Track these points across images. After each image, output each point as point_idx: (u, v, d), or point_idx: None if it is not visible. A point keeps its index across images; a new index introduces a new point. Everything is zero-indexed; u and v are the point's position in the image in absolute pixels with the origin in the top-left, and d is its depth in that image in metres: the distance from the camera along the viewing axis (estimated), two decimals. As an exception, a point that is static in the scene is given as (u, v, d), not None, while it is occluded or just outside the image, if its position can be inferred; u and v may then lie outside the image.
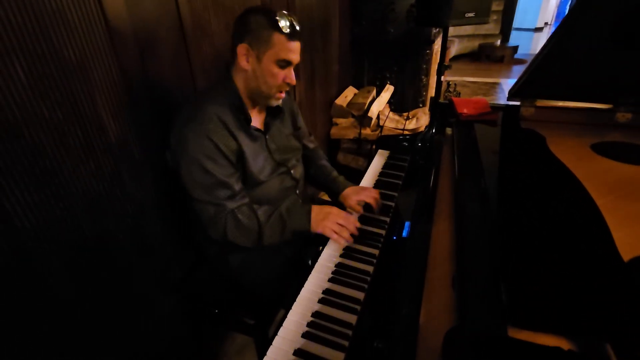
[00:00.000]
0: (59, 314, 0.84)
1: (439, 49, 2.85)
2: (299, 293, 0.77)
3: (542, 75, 1.09)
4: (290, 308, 0.73)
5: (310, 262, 0.92)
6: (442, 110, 1.31)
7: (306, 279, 0.83)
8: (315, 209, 0.99)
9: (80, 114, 0.84)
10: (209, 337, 1.48)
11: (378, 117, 2.41)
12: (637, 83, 1.07)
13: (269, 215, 0.99)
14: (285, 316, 0.71)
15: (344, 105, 2.42)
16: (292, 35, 0.92)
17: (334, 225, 0.94)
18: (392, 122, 2.38)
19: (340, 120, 2.47)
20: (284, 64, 0.94)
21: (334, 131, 2.46)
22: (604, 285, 0.49)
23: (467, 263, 0.57)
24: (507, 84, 5.24)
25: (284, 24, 0.90)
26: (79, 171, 0.85)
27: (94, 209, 0.90)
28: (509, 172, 0.86)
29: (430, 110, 1.35)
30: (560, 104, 1.24)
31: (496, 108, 1.23)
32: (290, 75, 0.96)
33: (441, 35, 2.04)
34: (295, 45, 0.94)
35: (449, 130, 1.18)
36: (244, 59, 0.94)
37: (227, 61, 1.03)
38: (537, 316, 0.45)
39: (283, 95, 1.01)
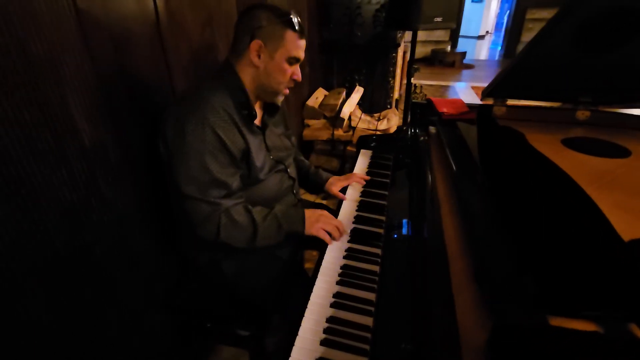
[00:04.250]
0: (37, 341, 0.74)
1: (402, 53, 2.96)
2: (308, 299, 0.74)
3: (514, 78, 1.17)
4: (286, 314, 0.70)
5: (304, 265, 0.90)
6: (422, 110, 1.35)
7: (307, 284, 0.81)
8: (308, 212, 1.01)
9: (49, 115, 0.75)
10: (200, 352, 1.38)
11: (349, 118, 2.43)
12: (594, 84, 1.18)
13: (264, 216, 0.96)
14: (299, 324, 0.68)
15: (316, 106, 2.41)
16: (302, 33, 0.94)
17: (327, 226, 0.96)
18: (364, 123, 2.41)
19: (312, 122, 2.46)
20: (294, 61, 0.96)
21: (306, 132, 2.44)
22: (615, 265, 0.53)
23: (486, 257, 0.58)
24: (458, 87, 5.60)
25: (295, 21, 0.91)
26: (50, 179, 0.75)
27: (68, 221, 0.80)
28: (500, 167, 0.90)
29: (409, 110, 1.39)
30: (528, 103, 1.34)
31: (472, 107, 1.30)
32: (297, 71, 0.98)
33: (403, 40, 2.12)
34: (304, 43, 0.96)
35: (432, 129, 1.22)
36: (256, 55, 0.93)
37: (227, 56, 1.00)
38: (567, 302, 0.47)
39: (288, 91, 1.01)
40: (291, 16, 0.92)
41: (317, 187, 1.28)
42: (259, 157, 0.99)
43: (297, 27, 0.93)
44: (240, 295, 1.03)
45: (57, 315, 0.78)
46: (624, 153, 1.01)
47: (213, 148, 0.88)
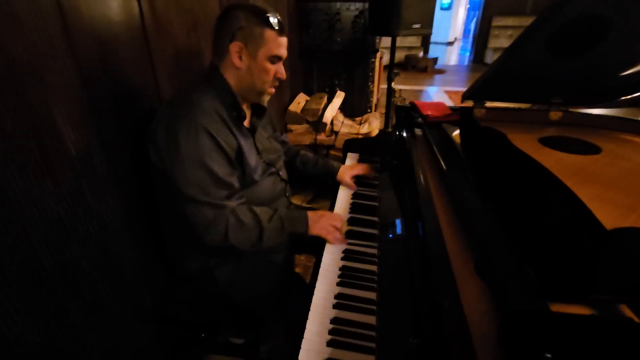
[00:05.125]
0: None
1: (379, 58, 3.03)
2: (309, 301, 0.74)
3: (492, 82, 1.23)
4: (282, 319, 0.70)
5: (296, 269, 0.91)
6: (407, 113, 1.39)
7: (304, 287, 0.81)
8: (311, 213, 1.00)
9: (34, 122, 0.71)
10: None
11: (332, 123, 2.46)
12: (564, 86, 1.27)
13: (270, 217, 0.96)
14: (302, 327, 0.68)
15: (298, 111, 2.42)
16: (282, 30, 0.94)
17: (329, 227, 0.97)
18: (346, 127, 2.45)
19: (294, 127, 2.46)
20: (276, 59, 0.95)
21: (289, 137, 2.44)
22: (602, 252, 0.57)
23: (485, 250, 0.61)
24: (431, 91, 5.78)
25: (273, 20, 0.91)
26: (34, 190, 0.72)
27: (54, 235, 0.76)
28: (488, 164, 0.94)
29: (395, 113, 1.43)
30: (505, 105, 1.41)
31: (454, 110, 1.35)
32: (281, 70, 0.98)
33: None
34: (285, 40, 0.96)
35: (418, 131, 1.26)
36: (237, 56, 0.92)
37: (211, 59, 0.99)
38: (565, 289, 0.50)
39: (273, 90, 1.01)
40: (269, 14, 0.91)
41: (329, 176, 1.28)
42: (252, 158, 0.99)
43: (276, 26, 0.92)
44: (234, 302, 1.01)
45: (40, 333, 0.74)
46: (595, 150, 1.08)
47: (209, 150, 0.86)
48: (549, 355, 0.39)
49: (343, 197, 1.17)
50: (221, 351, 1.11)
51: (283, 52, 0.96)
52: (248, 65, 0.93)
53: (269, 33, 0.91)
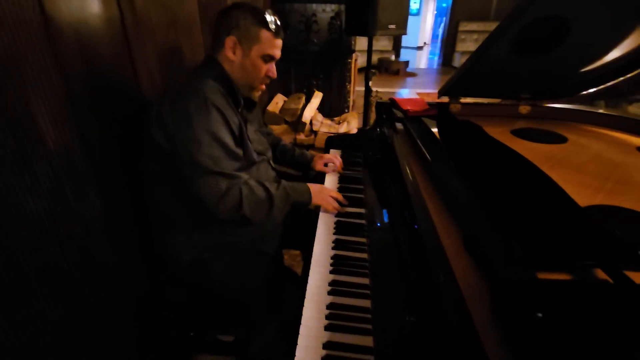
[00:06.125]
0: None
1: (355, 60, 3.09)
2: (304, 290, 0.75)
3: (466, 79, 1.29)
4: (274, 311, 0.70)
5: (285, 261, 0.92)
6: (387, 110, 1.43)
7: (295, 278, 0.82)
8: (311, 185, 1.07)
9: (11, 117, 0.68)
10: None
11: (311, 123, 2.48)
12: (532, 82, 1.35)
13: (276, 187, 1.00)
14: (300, 315, 0.69)
15: (277, 111, 2.43)
16: (278, 32, 0.98)
17: (328, 198, 1.04)
18: (325, 127, 2.47)
19: (273, 127, 2.46)
20: (269, 58, 0.99)
21: (269, 138, 2.43)
22: (578, 226, 0.62)
23: (474, 230, 0.64)
24: (404, 93, 5.96)
25: (270, 21, 0.95)
26: (12, 187, 0.68)
27: (32, 234, 0.73)
28: (467, 153, 0.99)
29: (376, 110, 1.47)
30: (478, 100, 1.49)
31: (432, 105, 1.41)
32: (272, 69, 1.02)
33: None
34: (280, 42, 1.01)
35: (399, 126, 1.30)
36: (231, 50, 0.96)
37: (209, 50, 1.03)
38: (548, 258, 0.54)
39: (264, 87, 1.06)
40: (266, 15, 0.96)
41: (304, 165, 1.37)
42: (249, 141, 1.02)
43: (272, 27, 0.97)
44: (226, 295, 1.00)
45: (19, 338, 0.70)
46: (562, 140, 1.17)
47: (220, 124, 0.90)
48: (540, 315, 0.42)
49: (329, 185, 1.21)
50: (210, 350, 1.09)
51: (277, 52, 1.01)
52: (241, 59, 0.98)
53: (264, 33, 0.96)
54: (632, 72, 1.23)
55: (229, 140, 0.91)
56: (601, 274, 0.53)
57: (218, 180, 0.89)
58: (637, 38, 1.13)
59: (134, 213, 1.02)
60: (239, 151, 0.96)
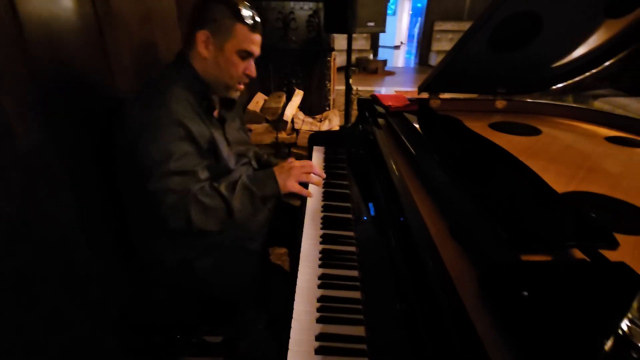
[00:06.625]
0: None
1: (334, 59, 3.10)
2: (294, 285, 0.75)
3: (444, 75, 1.33)
4: (262, 308, 0.70)
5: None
6: (368, 106, 1.45)
7: (283, 274, 0.82)
8: (277, 170, 0.98)
9: (-23, 112, 0.64)
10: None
11: (292, 121, 2.47)
12: (506, 78, 1.40)
13: (232, 188, 0.91)
14: (291, 308, 0.68)
15: (257, 110, 2.40)
16: (255, 27, 0.92)
17: (301, 175, 0.98)
18: (307, 125, 2.47)
19: (254, 126, 2.44)
20: (245, 54, 0.94)
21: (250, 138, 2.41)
22: (556, 211, 0.65)
23: (459, 217, 0.66)
24: (382, 91, 6.04)
25: (246, 14, 0.90)
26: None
27: (4, 240, 0.69)
28: (448, 146, 1.02)
29: (358, 107, 1.48)
30: (456, 95, 1.53)
31: (413, 101, 1.43)
32: (251, 67, 0.96)
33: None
34: (257, 38, 0.95)
35: (381, 121, 1.31)
36: (204, 46, 0.91)
37: (182, 48, 0.97)
38: (530, 241, 0.56)
39: (242, 87, 1.00)
40: (242, 8, 0.90)
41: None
42: (224, 149, 0.97)
43: (249, 21, 0.91)
44: (213, 294, 0.98)
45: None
46: (536, 132, 1.22)
47: (181, 139, 0.84)
48: (525, 293, 0.44)
49: (315, 187, 1.19)
50: (197, 352, 1.06)
51: (254, 48, 0.94)
52: (215, 56, 0.92)
53: (239, 27, 0.90)
54: (597, 67, 1.30)
55: (186, 157, 0.85)
56: (579, 254, 0.55)
57: (168, 195, 0.83)
58: (602, 34, 1.20)
59: (112, 216, 0.98)
60: (198, 166, 0.89)
